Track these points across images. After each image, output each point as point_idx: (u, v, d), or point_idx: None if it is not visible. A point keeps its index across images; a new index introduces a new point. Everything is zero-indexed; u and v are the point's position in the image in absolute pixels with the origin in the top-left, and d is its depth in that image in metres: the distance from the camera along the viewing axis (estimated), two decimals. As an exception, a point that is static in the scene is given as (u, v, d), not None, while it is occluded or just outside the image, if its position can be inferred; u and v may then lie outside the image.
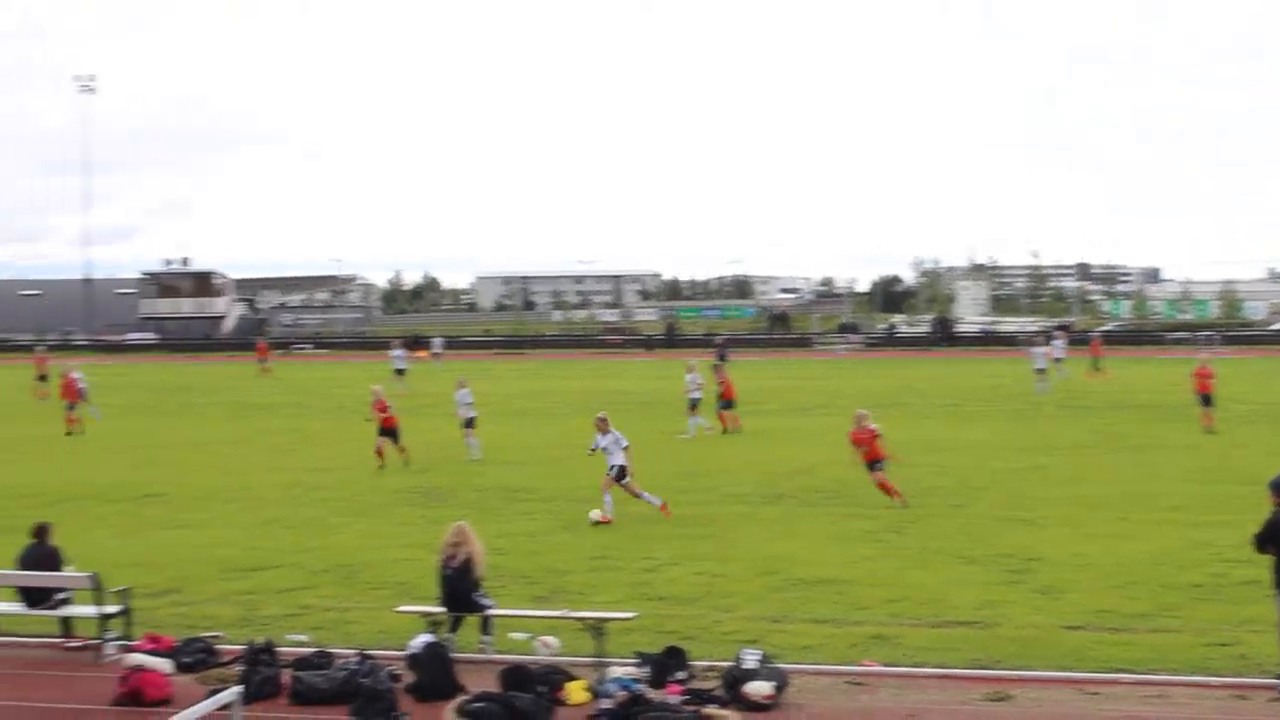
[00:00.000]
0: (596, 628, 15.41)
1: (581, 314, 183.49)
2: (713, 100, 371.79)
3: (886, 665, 15.32)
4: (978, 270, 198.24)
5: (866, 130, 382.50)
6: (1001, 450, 34.84)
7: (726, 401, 41.66)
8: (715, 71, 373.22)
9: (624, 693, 13.38)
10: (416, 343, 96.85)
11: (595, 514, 25.09)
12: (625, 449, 25.75)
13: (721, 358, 59.18)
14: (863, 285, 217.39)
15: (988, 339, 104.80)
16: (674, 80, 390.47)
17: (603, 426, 26.10)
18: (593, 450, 26.39)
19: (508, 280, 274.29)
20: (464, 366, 63.22)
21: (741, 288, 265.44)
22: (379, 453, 33.45)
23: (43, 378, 58.31)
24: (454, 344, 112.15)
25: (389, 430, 33.89)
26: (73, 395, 44.23)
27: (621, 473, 25.54)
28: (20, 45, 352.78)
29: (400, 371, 61.90)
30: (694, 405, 40.86)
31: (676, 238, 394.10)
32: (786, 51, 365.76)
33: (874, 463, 26.65)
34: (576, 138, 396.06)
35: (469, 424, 35.58)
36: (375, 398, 34.78)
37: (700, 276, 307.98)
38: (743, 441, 38.42)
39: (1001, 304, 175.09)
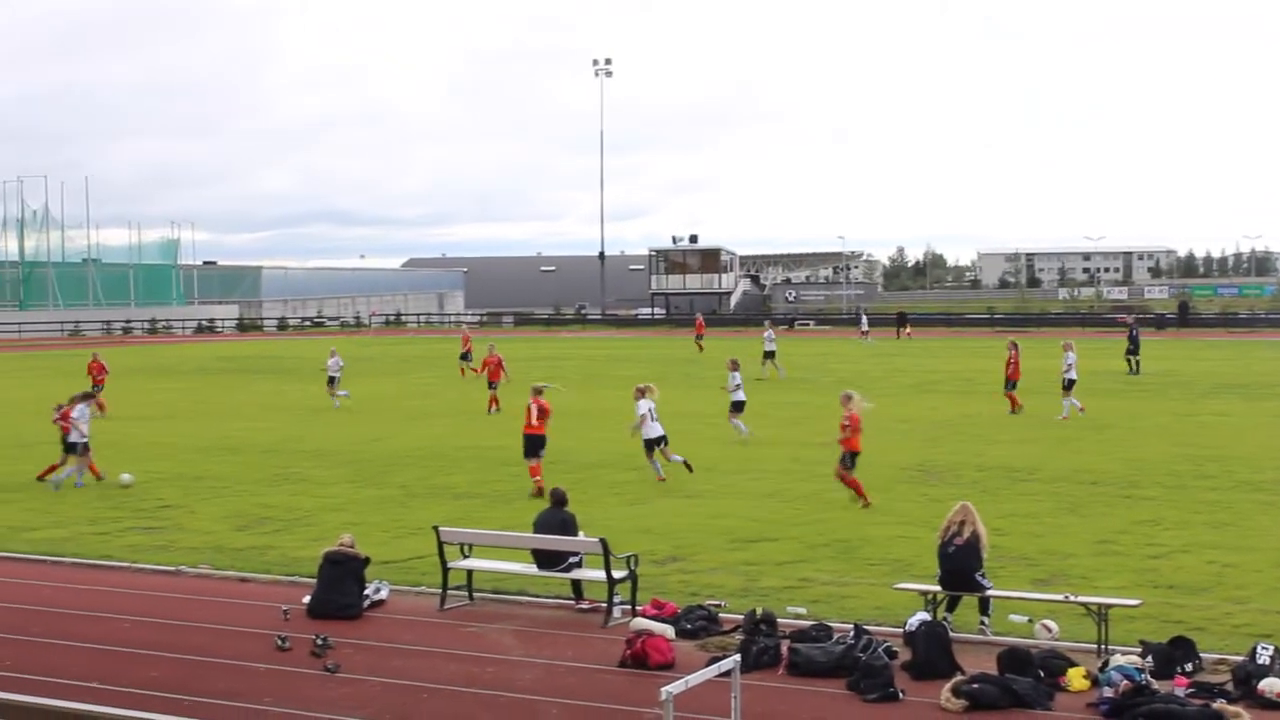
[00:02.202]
0: (1099, 614, 14.99)
1: (1088, 291, 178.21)
2: (1229, 65, 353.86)
3: None
4: None
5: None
6: None
7: (1012, 382, 40.92)
8: (1229, 36, 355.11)
9: (1127, 682, 12.94)
10: (902, 320, 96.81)
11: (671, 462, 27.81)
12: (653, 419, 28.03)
13: (1132, 339, 56.52)
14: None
15: None
16: (1184, 47, 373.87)
17: (637, 395, 28.53)
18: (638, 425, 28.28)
19: (1011, 256, 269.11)
20: (936, 344, 62.27)
21: (1261, 264, 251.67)
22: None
23: (465, 355, 58.30)
24: (953, 321, 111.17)
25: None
26: (495, 375, 43.77)
27: (660, 442, 28.09)
28: (548, 33, 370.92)
29: (770, 354, 57.07)
30: (1069, 385, 39.63)
31: (1192, 212, 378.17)
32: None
33: (847, 454, 24.93)
34: (1083, 108, 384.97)
35: (736, 408, 34.94)
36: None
37: (1216, 253, 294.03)
38: (1265, 426, 36.53)
39: None
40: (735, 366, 35.69)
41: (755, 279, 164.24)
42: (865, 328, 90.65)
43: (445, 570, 17.67)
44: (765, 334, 59.18)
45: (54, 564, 20.76)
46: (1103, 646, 14.65)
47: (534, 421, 26.94)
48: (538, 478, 26.18)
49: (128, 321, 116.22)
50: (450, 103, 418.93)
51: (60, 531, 23.29)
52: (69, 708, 8.05)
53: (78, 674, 14.53)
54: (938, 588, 16.07)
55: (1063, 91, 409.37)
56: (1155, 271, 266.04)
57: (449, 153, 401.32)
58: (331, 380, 46.30)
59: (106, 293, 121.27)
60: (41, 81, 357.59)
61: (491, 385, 43.64)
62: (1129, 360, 55.75)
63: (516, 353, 72.71)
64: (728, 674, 11.18)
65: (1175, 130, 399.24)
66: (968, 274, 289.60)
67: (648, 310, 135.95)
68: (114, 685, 14.03)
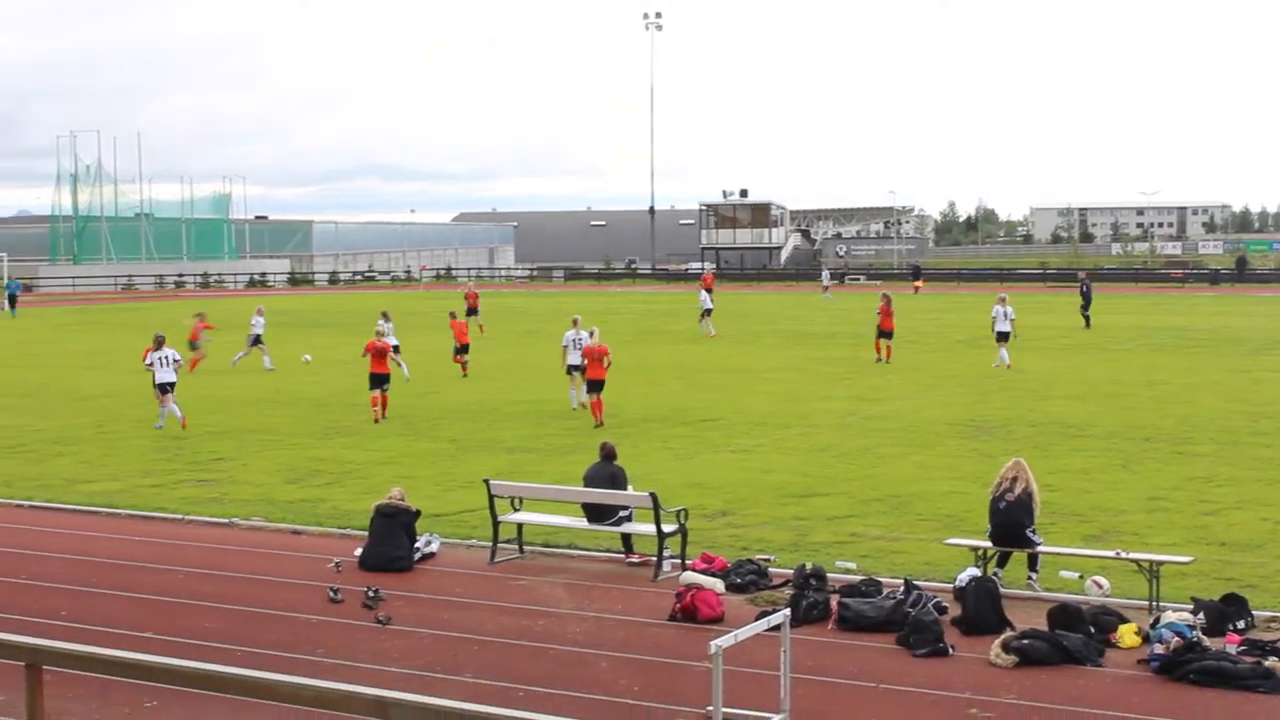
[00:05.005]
0: (1151, 570, 14.92)
1: (1142, 246, 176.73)
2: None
3: None
4: None
5: None
6: None
7: (885, 332, 42.66)
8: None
9: (1178, 639, 12.88)
10: (916, 274, 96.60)
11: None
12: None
13: (1084, 294, 56.32)
14: None
15: None
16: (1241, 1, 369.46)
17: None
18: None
19: (1064, 211, 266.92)
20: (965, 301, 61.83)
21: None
22: None
23: (472, 311, 56.30)
24: (1005, 277, 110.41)
25: None
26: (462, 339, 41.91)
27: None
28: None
29: (708, 312, 56.41)
30: (1003, 337, 40.82)
31: (1248, 166, 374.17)
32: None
33: (593, 381, 29.62)
34: (1136, 60, 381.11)
35: (572, 370, 32.69)
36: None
37: (1272, 208, 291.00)
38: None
39: None
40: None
41: (806, 234, 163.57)
42: (827, 283, 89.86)
43: (495, 524, 17.73)
44: (701, 294, 57.94)
45: (109, 515, 20.97)
46: (1154, 603, 14.59)
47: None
48: (376, 408, 30.76)
49: (180, 275, 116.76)
50: (498, 57, 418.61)
51: (115, 484, 23.51)
52: (124, 657, 8.11)
53: (133, 624, 14.69)
54: (988, 543, 16.02)
55: (1118, 46, 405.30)
56: (1210, 227, 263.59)
57: (497, 107, 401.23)
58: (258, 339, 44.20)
59: (159, 247, 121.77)
60: (93, 37, 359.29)
61: (462, 349, 41.66)
62: (1084, 315, 55.76)
63: (568, 307, 72.77)
64: (777, 628, 11.20)
65: (1231, 85, 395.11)
66: (1020, 229, 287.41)
67: (698, 265, 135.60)
68: (168, 635, 14.18)
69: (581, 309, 65.08)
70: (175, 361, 30.40)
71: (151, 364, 29.98)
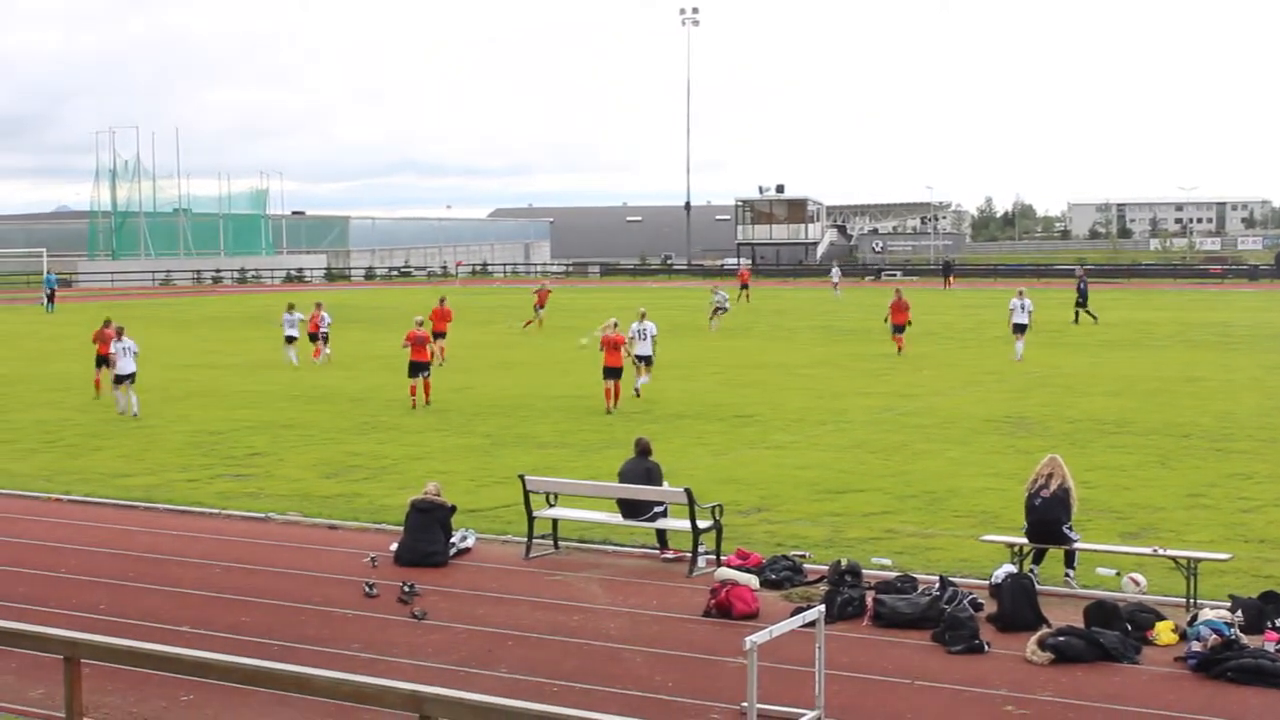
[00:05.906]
0: (1189, 568, 14.84)
1: (1180, 242, 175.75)
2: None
3: None
4: None
5: None
6: None
7: (897, 326, 44.44)
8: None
9: (1216, 636, 12.81)
10: (947, 270, 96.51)
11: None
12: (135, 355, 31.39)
13: (1081, 290, 56.20)
14: None
15: None
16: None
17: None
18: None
19: (1102, 207, 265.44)
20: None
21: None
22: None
23: (540, 306, 57.78)
24: (1043, 272, 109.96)
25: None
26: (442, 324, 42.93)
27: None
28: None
29: (718, 310, 57.38)
30: (1019, 329, 42.09)
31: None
32: None
33: (609, 369, 30.73)
34: (1175, 54, 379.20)
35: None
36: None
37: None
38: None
39: None
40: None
41: (842, 229, 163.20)
42: (836, 279, 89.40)
43: (531, 519, 17.76)
44: (717, 294, 58.53)
45: (146, 510, 21.08)
46: (1191, 600, 14.52)
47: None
48: (415, 395, 32.38)
49: (218, 271, 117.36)
50: (532, 52, 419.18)
51: (153, 479, 23.62)
52: (161, 651, 8.18)
53: (170, 618, 14.77)
54: (1024, 540, 15.96)
55: (1157, 40, 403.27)
56: (1249, 222, 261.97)
57: (532, 103, 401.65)
58: (324, 337, 43.77)
59: (197, 242, 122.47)
60: (132, 32, 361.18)
61: (438, 335, 42.02)
62: (1077, 311, 55.86)
63: (604, 303, 72.82)
64: (812, 624, 11.20)
65: (1271, 79, 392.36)
66: (1057, 224, 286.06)
67: (734, 260, 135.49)
68: (205, 629, 14.25)
69: (618, 304, 65.17)
70: (134, 352, 31.37)
71: (114, 353, 31.36)
